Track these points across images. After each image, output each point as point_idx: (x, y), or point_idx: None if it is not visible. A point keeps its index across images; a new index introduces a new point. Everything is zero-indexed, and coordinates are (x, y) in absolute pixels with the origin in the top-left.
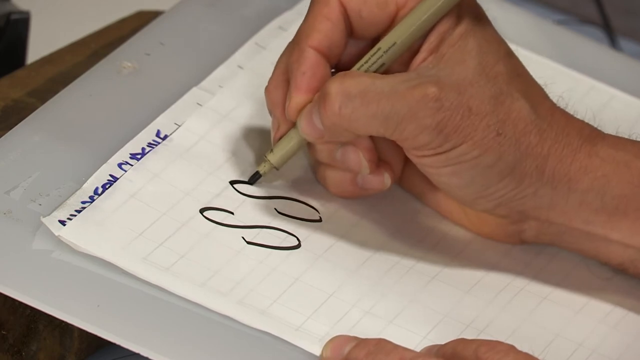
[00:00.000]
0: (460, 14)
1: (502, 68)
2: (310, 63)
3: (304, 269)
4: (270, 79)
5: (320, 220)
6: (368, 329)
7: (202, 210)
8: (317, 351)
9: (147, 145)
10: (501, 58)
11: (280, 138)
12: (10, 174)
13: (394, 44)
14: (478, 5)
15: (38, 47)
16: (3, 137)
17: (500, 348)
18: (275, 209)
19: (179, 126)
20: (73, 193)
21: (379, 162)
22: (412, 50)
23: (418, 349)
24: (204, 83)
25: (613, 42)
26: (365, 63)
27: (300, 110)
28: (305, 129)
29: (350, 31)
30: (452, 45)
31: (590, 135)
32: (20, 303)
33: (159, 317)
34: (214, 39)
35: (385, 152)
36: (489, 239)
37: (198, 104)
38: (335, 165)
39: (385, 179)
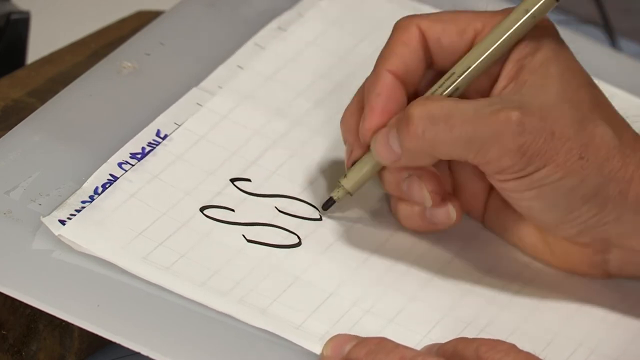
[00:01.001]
0: (539, 40)
1: (584, 95)
2: (386, 85)
3: (305, 267)
4: (347, 106)
5: (320, 218)
6: (368, 328)
7: (202, 209)
8: (317, 350)
9: (147, 145)
10: (583, 85)
11: (353, 164)
12: (10, 174)
13: (468, 68)
14: (557, 32)
15: (38, 47)
16: (3, 137)
17: (501, 347)
18: (275, 207)
19: (179, 126)
20: (73, 193)
21: (445, 195)
22: (489, 78)
23: (418, 348)
24: (203, 83)
25: (613, 42)
26: (439, 87)
27: (374, 133)
28: (381, 151)
29: (429, 60)
30: (534, 72)
31: None
32: (21, 303)
33: (159, 316)
34: (214, 39)
35: (466, 190)
36: (572, 274)
37: (198, 104)
38: (403, 197)
39: (450, 212)
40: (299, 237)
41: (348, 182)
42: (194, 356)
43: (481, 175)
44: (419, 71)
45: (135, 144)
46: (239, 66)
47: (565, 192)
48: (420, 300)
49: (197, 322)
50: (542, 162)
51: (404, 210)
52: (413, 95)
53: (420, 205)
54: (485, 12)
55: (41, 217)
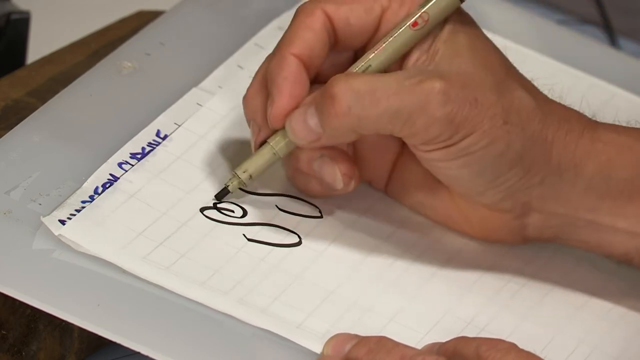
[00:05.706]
0: None
1: (495, 60)
2: (292, 69)
3: (305, 266)
4: (249, 87)
5: (321, 216)
6: (369, 327)
7: (202, 210)
8: (318, 349)
9: (147, 145)
10: (492, 50)
11: (262, 143)
12: (10, 174)
13: (382, 46)
14: (460, 7)
15: (38, 47)
16: (3, 137)
17: (502, 346)
18: (276, 205)
19: (179, 126)
20: (73, 193)
21: (355, 175)
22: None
23: (419, 347)
24: (203, 83)
25: (613, 42)
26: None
27: (284, 116)
28: (299, 132)
29: (333, 42)
30: (444, 41)
31: (589, 122)
32: (21, 303)
33: (159, 316)
34: (214, 39)
35: (368, 162)
36: (491, 242)
37: (198, 104)
38: (311, 174)
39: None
40: (299, 236)
41: (245, 174)
42: (194, 356)
43: (384, 147)
44: (322, 55)
45: (135, 144)
46: (239, 66)
47: (492, 158)
48: (420, 299)
49: (197, 322)
50: (468, 130)
51: (302, 178)
52: (314, 78)
53: (330, 185)
54: None
55: (41, 217)
